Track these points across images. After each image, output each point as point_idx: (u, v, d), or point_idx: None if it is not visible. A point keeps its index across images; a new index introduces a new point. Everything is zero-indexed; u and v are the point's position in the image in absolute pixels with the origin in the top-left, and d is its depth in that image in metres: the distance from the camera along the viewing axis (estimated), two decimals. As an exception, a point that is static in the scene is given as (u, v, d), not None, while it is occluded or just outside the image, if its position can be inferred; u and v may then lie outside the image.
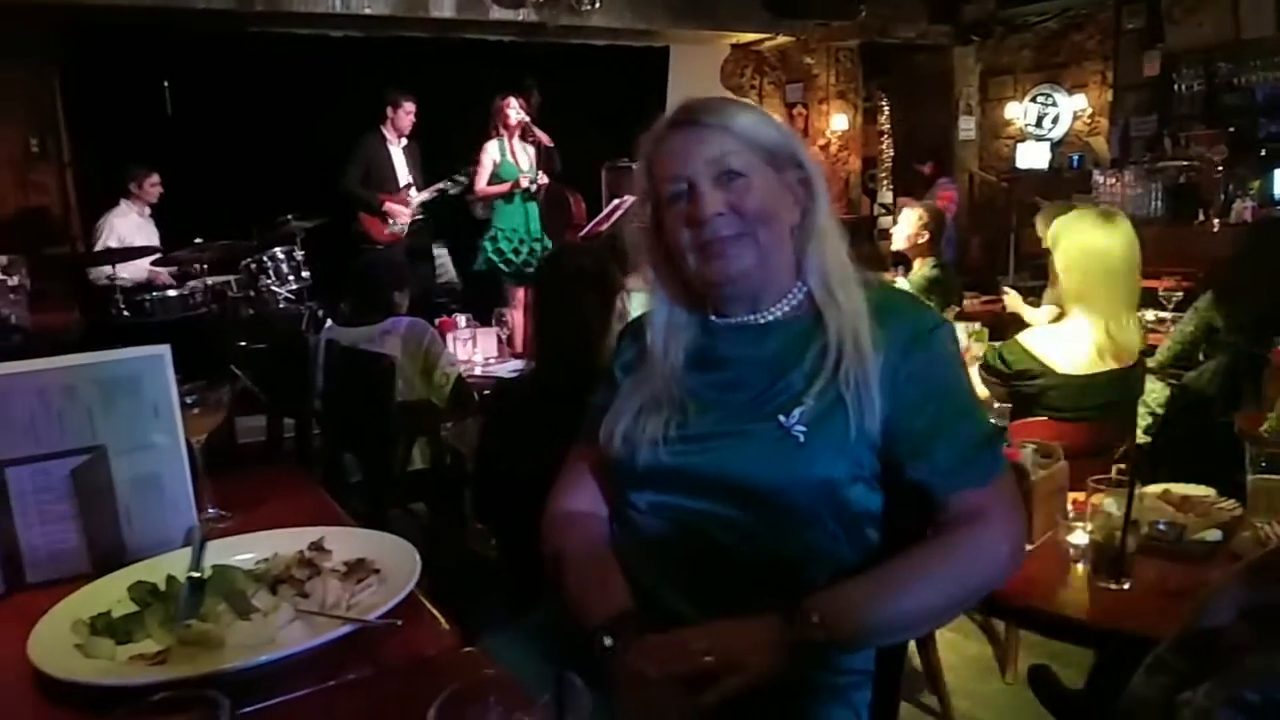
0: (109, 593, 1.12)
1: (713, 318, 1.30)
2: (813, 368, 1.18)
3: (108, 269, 5.30)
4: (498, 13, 6.31)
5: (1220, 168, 6.51)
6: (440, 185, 5.82)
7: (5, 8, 5.44)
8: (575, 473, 1.40)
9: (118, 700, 0.91)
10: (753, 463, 1.16)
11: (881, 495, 1.21)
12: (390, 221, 5.72)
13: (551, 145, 5.54)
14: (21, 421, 1.21)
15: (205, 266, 5.49)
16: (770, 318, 1.26)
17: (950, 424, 1.17)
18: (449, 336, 3.94)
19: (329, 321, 5.02)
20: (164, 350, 1.28)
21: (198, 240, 5.50)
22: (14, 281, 5.10)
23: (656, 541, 1.23)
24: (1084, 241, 2.35)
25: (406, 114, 5.71)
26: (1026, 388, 2.32)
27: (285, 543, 1.24)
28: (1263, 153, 6.58)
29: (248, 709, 0.91)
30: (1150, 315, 3.87)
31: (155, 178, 5.78)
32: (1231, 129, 6.71)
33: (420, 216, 5.89)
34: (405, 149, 5.82)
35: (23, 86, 6.18)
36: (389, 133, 5.74)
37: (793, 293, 1.26)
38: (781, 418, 1.17)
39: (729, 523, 1.18)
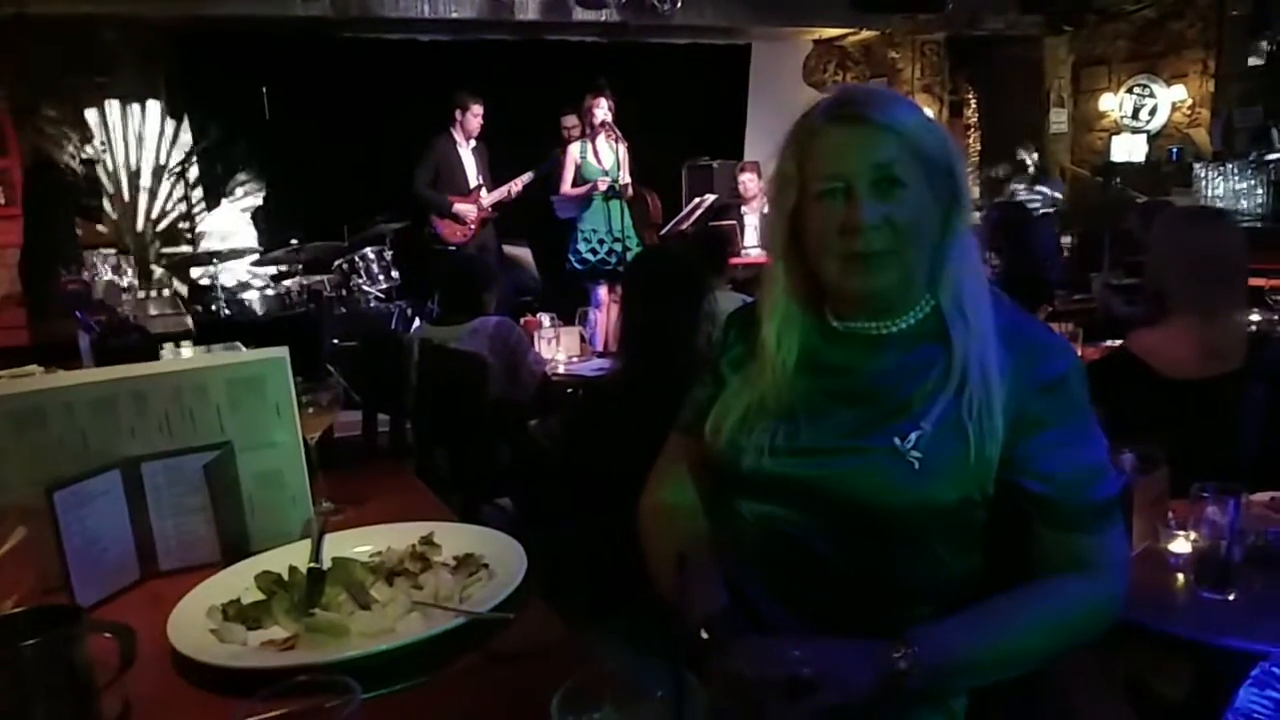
0: (238, 581, 1.19)
1: (830, 319, 1.26)
2: (934, 389, 1.15)
3: (210, 268, 5.55)
4: (581, 14, 6.38)
5: (1332, 160, 6.21)
6: (509, 185, 5.92)
7: (112, 20, 5.73)
8: (672, 465, 1.39)
9: (252, 682, 0.98)
10: (863, 484, 1.14)
11: (990, 519, 1.18)
12: (462, 223, 5.83)
13: (627, 148, 5.59)
14: (156, 419, 1.30)
15: (301, 266, 5.69)
16: (894, 329, 1.22)
17: (1071, 468, 1.15)
18: (534, 335, 4.02)
19: (417, 320, 5.18)
20: (284, 353, 1.36)
21: (293, 241, 5.71)
22: (124, 282, 5.38)
23: (756, 547, 1.23)
24: (1184, 241, 2.28)
25: (475, 116, 5.81)
26: (1131, 395, 2.26)
27: (397, 537, 1.30)
28: (1380, 143, 6.26)
29: (369, 695, 0.96)
30: (1256, 316, 3.71)
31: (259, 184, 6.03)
32: (1345, 118, 6.40)
33: (494, 216, 6.00)
34: (474, 150, 5.93)
35: (130, 96, 6.51)
36: (458, 135, 5.86)
37: (920, 305, 1.22)
38: (897, 440, 1.14)
39: (834, 539, 1.17)
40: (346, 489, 1.64)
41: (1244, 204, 6.28)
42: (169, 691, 1.03)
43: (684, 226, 6.13)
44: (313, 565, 1.16)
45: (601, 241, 5.59)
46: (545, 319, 4.42)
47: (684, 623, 1.11)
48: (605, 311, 5.39)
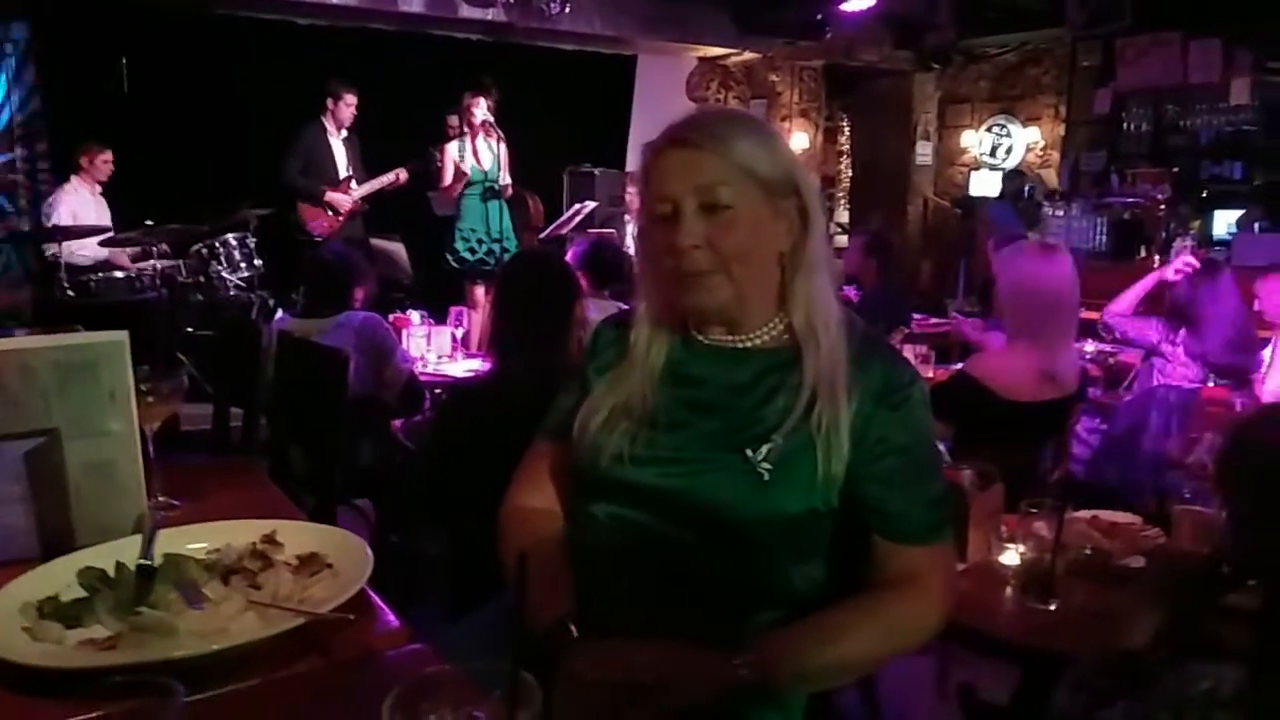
0: (57, 577, 1.12)
1: (694, 333, 1.29)
2: (785, 405, 1.19)
3: (54, 247, 5.19)
4: (467, 11, 6.30)
5: (1163, 206, 6.74)
6: (385, 178, 5.79)
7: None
8: (534, 469, 1.40)
9: (67, 684, 0.92)
10: (714, 493, 1.18)
11: (833, 531, 1.24)
12: (330, 213, 5.66)
13: (508, 149, 5.54)
14: (-26, 401, 1.20)
15: (156, 249, 5.39)
16: (749, 344, 1.26)
17: (910, 483, 1.22)
18: (403, 333, 3.93)
19: (280, 311, 4.98)
20: (123, 336, 1.28)
21: (148, 222, 5.40)
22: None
23: (609, 552, 1.25)
24: (1025, 273, 2.43)
25: (348, 106, 5.67)
26: (971, 416, 2.38)
27: (237, 534, 1.25)
28: (1204, 194, 6.83)
29: (198, 697, 0.92)
30: (1090, 347, 3.99)
31: (107, 155, 5.68)
32: (1176, 169, 6.95)
33: (363, 209, 5.86)
34: (345, 141, 5.77)
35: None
36: (329, 124, 5.69)
37: (774, 322, 1.26)
38: (749, 452, 1.18)
39: (683, 546, 1.20)
40: (188, 484, 1.56)
41: (1084, 243, 6.73)
42: (-29, 694, 0.95)
43: (564, 231, 6.12)
44: (142, 562, 1.10)
45: (480, 241, 5.52)
46: (416, 316, 4.34)
47: (524, 623, 1.11)
48: (482, 312, 5.32)
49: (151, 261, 5.36)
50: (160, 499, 1.45)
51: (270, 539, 1.22)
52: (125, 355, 1.28)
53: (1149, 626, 1.26)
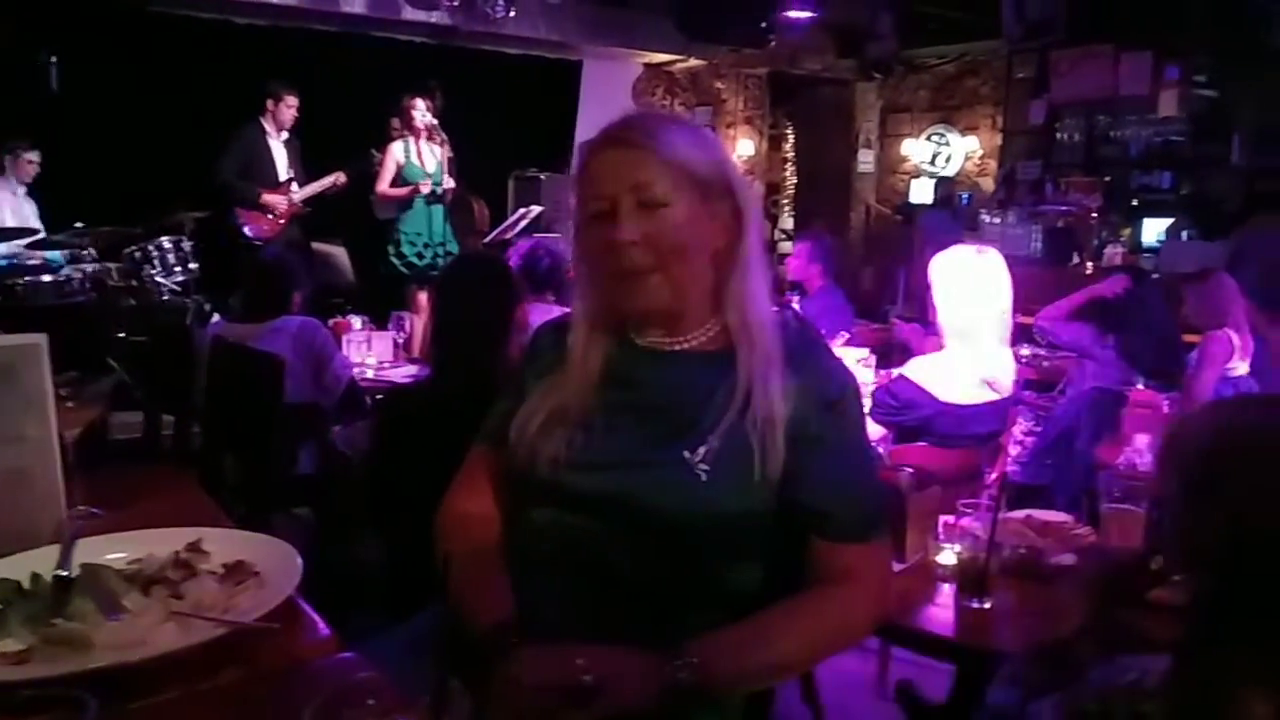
0: (-32, 590, 1.07)
1: (631, 335, 1.29)
2: (721, 405, 1.19)
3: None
4: (410, 13, 6.23)
5: (1095, 214, 6.93)
6: (324, 182, 5.70)
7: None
8: (473, 474, 1.38)
9: (-27, 700, 0.88)
10: (652, 495, 1.17)
11: (770, 532, 1.23)
12: (269, 217, 5.56)
13: (450, 152, 5.49)
14: (-122, 407, 1.15)
15: (86, 252, 5.23)
16: (685, 345, 1.26)
17: (846, 482, 1.22)
18: (344, 339, 3.86)
19: (215, 316, 4.87)
20: (41, 339, 1.24)
21: (78, 224, 5.24)
22: None
23: (548, 556, 1.24)
24: (958, 278, 2.47)
25: (289, 108, 5.56)
26: (912, 419, 2.42)
27: (160, 543, 1.21)
28: (1134, 203, 7.03)
29: (115, 711, 0.89)
30: (1025, 351, 4.08)
31: (33, 154, 5.51)
32: (1107, 179, 7.14)
33: (303, 212, 5.76)
34: (286, 143, 5.67)
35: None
36: (269, 125, 5.59)
37: (710, 323, 1.26)
38: (686, 453, 1.17)
39: (622, 548, 1.19)
40: (113, 492, 1.50)
41: (1020, 249, 6.87)
42: None
43: (508, 235, 6.08)
44: (58, 572, 1.06)
45: (427, 245, 5.46)
46: (356, 321, 4.26)
47: (451, 628, 1.10)
48: (425, 317, 5.26)
49: (81, 265, 5.20)
50: (81, 508, 1.40)
51: (195, 547, 1.18)
52: (43, 359, 1.24)
53: (1078, 621, 1.28)
